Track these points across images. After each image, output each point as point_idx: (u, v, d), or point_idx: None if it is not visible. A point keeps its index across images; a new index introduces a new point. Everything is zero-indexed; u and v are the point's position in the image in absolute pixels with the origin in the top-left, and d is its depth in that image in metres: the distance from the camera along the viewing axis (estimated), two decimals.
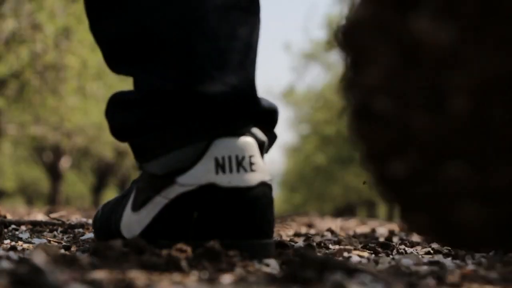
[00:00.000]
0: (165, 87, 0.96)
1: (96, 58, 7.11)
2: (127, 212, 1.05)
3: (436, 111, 0.69)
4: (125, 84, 9.10)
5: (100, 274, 0.79)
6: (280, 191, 27.88)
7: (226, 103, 0.94)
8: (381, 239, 2.17)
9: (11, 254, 1.10)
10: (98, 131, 10.55)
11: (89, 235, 1.59)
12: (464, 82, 0.69)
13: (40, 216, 2.71)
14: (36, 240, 1.57)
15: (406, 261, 1.24)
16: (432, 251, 1.55)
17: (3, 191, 20.29)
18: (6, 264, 0.87)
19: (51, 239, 1.60)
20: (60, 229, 1.83)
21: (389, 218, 16.38)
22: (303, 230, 2.81)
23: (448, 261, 1.28)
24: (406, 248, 1.61)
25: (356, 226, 3.24)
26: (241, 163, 0.94)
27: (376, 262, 1.24)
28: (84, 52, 6.83)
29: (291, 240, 1.81)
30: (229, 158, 0.93)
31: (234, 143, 0.94)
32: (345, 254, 1.40)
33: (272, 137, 1.04)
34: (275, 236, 1.47)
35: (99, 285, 0.73)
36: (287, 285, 0.82)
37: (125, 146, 8.84)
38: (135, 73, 1.01)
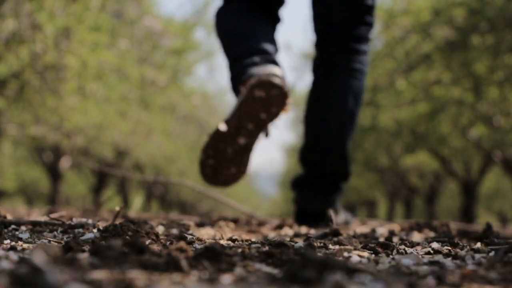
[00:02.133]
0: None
1: (96, 58, 7.11)
2: None
3: None
4: (125, 84, 9.10)
5: (100, 274, 0.79)
6: (280, 191, 27.86)
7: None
8: (381, 239, 2.17)
9: (11, 254, 1.10)
10: (98, 131, 10.54)
11: (89, 235, 1.59)
12: None
13: (40, 217, 2.71)
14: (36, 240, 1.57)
15: (406, 261, 1.24)
16: (432, 251, 1.56)
17: (3, 191, 20.28)
18: (6, 264, 0.87)
19: (51, 239, 1.60)
20: (60, 229, 1.83)
21: (389, 218, 16.38)
22: (303, 230, 2.81)
23: (448, 261, 1.28)
24: (406, 248, 1.61)
25: (356, 226, 3.24)
26: None
27: (376, 262, 1.24)
28: (84, 52, 6.82)
29: (291, 240, 1.81)
30: None
31: None
32: (345, 254, 1.40)
33: None
34: (277, 237, 2.03)
35: (99, 285, 0.73)
36: (287, 285, 0.82)
37: (125, 146, 8.84)
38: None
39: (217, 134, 2.21)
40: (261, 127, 2.21)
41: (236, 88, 2.31)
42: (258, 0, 2.52)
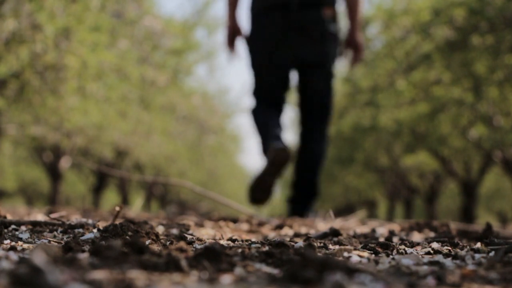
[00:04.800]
0: None
1: (96, 58, 7.10)
2: None
3: None
4: (124, 84, 9.10)
5: (100, 274, 0.79)
6: (280, 191, 27.98)
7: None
8: (381, 239, 2.18)
9: (11, 254, 1.10)
10: (98, 131, 10.54)
11: (89, 235, 1.59)
12: None
13: (40, 216, 2.71)
14: (36, 240, 1.57)
15: (406, 261, 1.25)
16: (432, 251, 1.56)
17: (3, 191, 20.28)
18: (6, 264, 0.87)
19: (51, 239, 1.60)
20: (60, 229, 1.83)
21: (389, 218, 16.38)
22: (303, 230, 2.81)
23: (448, 261, 1.28)
24: (406, 248, 1.61)
25: (356, 226, 3.24)
26: None
27: (376, 262, 1.24)
28: (84, 52, 6.82)
29: (291, 240, 1.81)
30: None
31: None
32: (345, 254, 1.40)
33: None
34: (277, 237, 2.01)
35: (99, 285, 0.73)
36: (287, 285, 0.82)
37: (125, 146, 8.85)
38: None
39: (262, 174, 3.91)
40: (280, 172, 3.89)
41: (265, 153, 3.99)
42: (274, 104, 4.22)
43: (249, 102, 4.32)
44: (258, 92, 4.24)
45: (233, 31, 4.23)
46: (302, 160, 4.30)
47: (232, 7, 4.20)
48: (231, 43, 4.27)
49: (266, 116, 4.15)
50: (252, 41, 4.17)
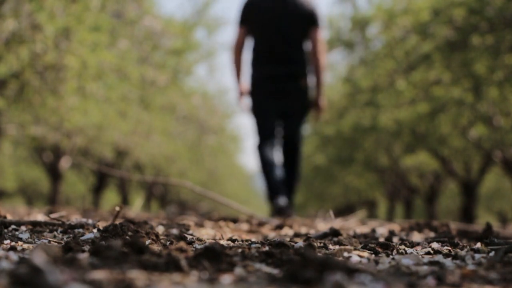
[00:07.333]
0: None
1: (96, 58, 7.10)
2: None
3: None
4: (124, 84, 9.10)
5: (100, 274, 0.80)
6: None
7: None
8: (381, 239, 2.18)
9: (11, 254, 1.10)
10: (98, 131, 10.54)
11: (89, 235, 1.59)
12: None
13: (40, 217, 2.71)
14: (36, 240, 1.58)
15: (406, 261, 1.25)
16: (432, 251, 1.56)
17: (3, 191, 20.28)
18: (6, 264, 0.87)
19: (51, 239, 1.60)
20: (60, 229, 1.83)
21: (389, 218, 16.38)
22: (303, 230, 2.81)
23: (448, 261, 1.28)
24: (406, 248, 1.61)
25: (356, 226, 3.24)
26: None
27: (376, 262, 1.24)
28: (84, 52, 6.81)
29: (291, 240, 1.81)
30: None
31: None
32: (345, 254, 1.40)
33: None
34: (277, 237, 1.98)
35: (99, 285, 0.73)
36: (287, 285, 0.82)
37: (125, 146, 8.87)
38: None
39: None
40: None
41: (269, 199, 5.46)
42: (268, 137, 5.66)
43: (254, 139, 6.20)
44: (258, 130, 5.81)
45: (241, 91, 5.82)
46: (285, 164, 5.73)
47: (238, 75, 5.85)
48: (240, 99, 5.88)
49: (267, 157, 5.57)
50: (252, 98, 5.84)
